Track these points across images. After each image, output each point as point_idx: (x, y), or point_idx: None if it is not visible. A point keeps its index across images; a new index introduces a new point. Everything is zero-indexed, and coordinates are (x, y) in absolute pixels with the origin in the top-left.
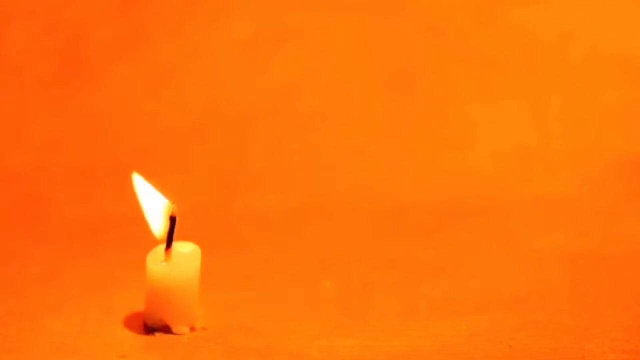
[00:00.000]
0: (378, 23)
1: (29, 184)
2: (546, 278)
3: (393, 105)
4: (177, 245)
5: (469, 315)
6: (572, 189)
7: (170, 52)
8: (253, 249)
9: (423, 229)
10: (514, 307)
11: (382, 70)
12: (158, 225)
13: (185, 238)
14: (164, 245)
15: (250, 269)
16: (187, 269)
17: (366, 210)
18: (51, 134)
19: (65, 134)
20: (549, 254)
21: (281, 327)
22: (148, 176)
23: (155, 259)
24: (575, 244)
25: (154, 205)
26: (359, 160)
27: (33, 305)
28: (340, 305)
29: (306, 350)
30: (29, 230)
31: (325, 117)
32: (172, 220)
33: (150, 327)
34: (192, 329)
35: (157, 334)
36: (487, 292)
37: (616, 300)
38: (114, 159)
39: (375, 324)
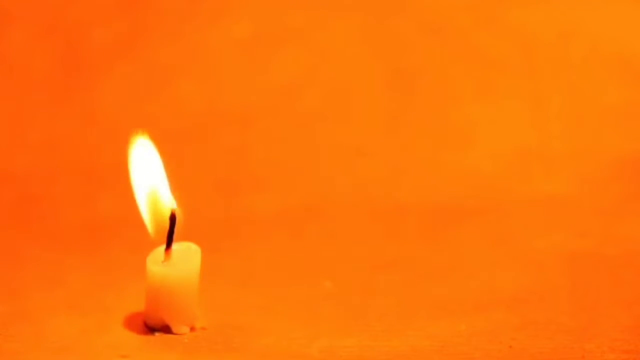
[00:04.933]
0: (378, 23)
1: (29, 184)
2: (546, 278)
3: (393, 105)
4: (177, 245)
5: (469, 315)
6: (572, 189)
7: (170, 52)
8: (253, 249)
9: (423, 229)
10: (514, 307)
11: (382, 70)
12: (148, 221)
13: (185, 238)
14: (164, 246)
15: (250, 269)
16: (187, 269)
17: (366, 210)
18: (51, 134)
19: (65, 134)
20: (549, 254)
21: (281, 327)
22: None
23: (155, 259)
24: (575, 244)
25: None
26: (359, 160)
27: (33, 305)
28: (340, 305)
29: (306, 350)
30: (29, 230)
31: (325, 117)
32: (172, 220)
33: (151, 327)
34: (192, 329)
35: (157, 334)
36: (487, 292)
37: (616, 300)
38: (114, 159)
39: (375, 324)
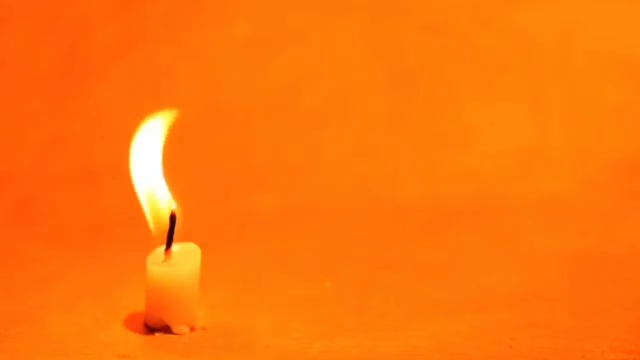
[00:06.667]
0: (378, 23)
1: (29, 184)
2: (546, 278)
3: (393, 105)
4: (177, 245)
5: (469, 315)
6: (572, 189)
7: (171, 52)
8: (253, 249)
9: (423, 229)
10: (514, 307)
11: (382, 71)
12: (151, 219)
13: (185, 238)
14: (164, 246)
15: (250, 269)
16: (187, 269)
17: (366, 210)
18: (51, 134)
19: (65, 134)
20: (549, 254)
21: (281, 327)
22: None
23: (155, 259)
24: (575, 244)
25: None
26: (359, 160)
27: (33, 305)
28: (340, 305)
29: (306, 350)
30: (29, 230)
31: (326, 117)
32: (172, 220)
33: (151, 327)
34: (192, 329)
35: (157, 334)
36: (487, 292)
37: (616, 301)
38: (114, 159)
39: (375, 324)
